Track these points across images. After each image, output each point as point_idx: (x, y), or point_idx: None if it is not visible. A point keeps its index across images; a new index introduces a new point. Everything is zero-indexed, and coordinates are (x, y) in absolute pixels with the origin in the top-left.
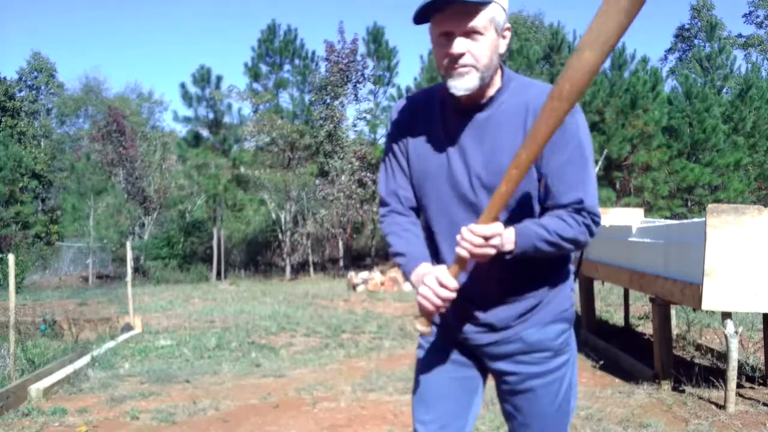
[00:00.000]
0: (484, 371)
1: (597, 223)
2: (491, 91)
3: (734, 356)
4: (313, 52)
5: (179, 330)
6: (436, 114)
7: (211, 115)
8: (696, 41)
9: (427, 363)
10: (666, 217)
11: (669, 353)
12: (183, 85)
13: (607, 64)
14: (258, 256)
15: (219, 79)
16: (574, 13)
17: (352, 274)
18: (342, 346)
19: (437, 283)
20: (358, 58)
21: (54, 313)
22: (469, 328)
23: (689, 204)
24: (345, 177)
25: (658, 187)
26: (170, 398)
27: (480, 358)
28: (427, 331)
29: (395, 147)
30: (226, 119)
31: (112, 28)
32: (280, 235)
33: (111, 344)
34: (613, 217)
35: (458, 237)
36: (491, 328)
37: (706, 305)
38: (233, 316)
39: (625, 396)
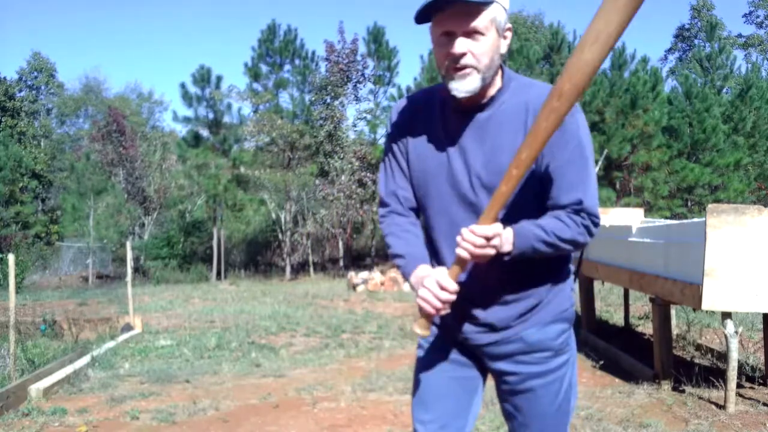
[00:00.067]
0: (484, 371)
1: (596, 224)
2: (492, 91)
3: (734, 356)
4: (313, 52)
5: (179, 330)
6: (437, 114)
7: (211, 115)
8: (696, 41)
9: (427, 363)
10: (666, 217)
11: (669, 353)
12: (183, 85)
13: (607, 64)
14: (258, 256)
15: (219, 79)
16: (574, 13)
17: (352, 274)
18: (342, 346)
19: (437, 285)
20: (359, 58)
21: (54, 313)
22: (469, 328)
23: (689, 204)
24: (345, 177)
25: (658, 187)
26: (170, 398)
27: (480, 358)
28: (426, 334)
29: (395, 147)
30: (226, 119)
31: (112, 28)
32: (280, 235)
33: (111, 344)
34: (613, 217)
35: (458, 238)
36: (491, 328)
37: (706, 305)
38: (233, 316)
39: (625, 396)
